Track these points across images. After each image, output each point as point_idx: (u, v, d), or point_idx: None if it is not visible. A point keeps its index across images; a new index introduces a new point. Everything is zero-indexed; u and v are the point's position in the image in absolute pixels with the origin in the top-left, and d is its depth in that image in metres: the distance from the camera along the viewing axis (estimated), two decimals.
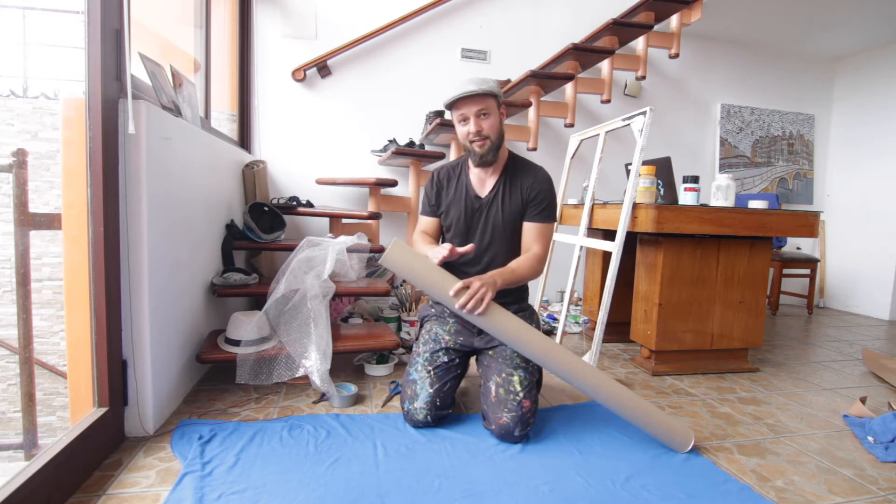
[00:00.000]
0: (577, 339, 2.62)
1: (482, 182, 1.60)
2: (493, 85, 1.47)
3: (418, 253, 1.39)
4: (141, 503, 1.07)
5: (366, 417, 1.53)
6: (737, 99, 3.78)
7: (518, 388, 1.41)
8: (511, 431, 1.37)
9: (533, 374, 1.48)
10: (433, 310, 1.67)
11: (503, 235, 1.57)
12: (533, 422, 1.43)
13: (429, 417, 1.45)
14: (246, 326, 1.71)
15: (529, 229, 1.56)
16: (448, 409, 1.51)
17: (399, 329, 2.44)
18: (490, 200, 1.58)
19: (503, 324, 1.36)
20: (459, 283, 1.33)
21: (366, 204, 2.92)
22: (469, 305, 1.30)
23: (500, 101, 1.52)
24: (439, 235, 1.71)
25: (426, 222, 1.69)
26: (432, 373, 1.49)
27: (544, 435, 1.45)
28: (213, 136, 2.00)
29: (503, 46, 3.16)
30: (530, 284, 1.69)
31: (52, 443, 1.07)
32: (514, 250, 1.58)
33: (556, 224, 1.44)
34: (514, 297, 1.61)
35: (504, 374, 1.44)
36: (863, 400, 1.72)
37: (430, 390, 1.46)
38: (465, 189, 1.61)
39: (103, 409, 1.24)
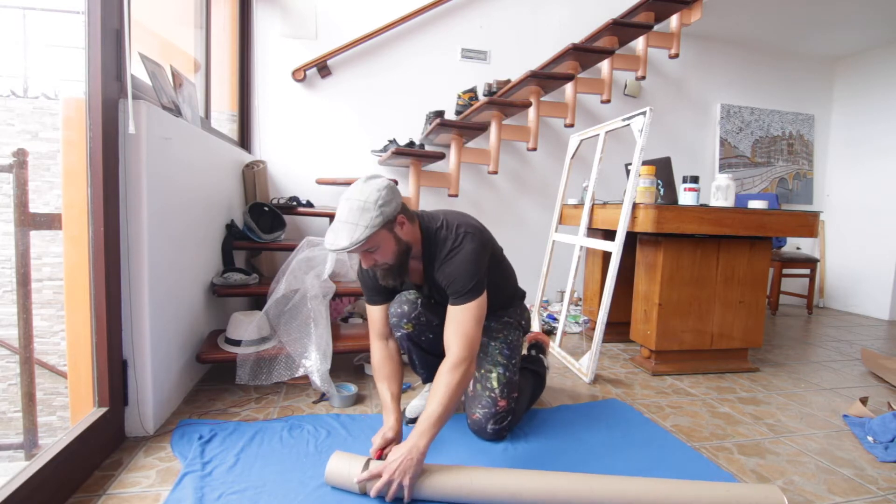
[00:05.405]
0: (577, 339, 2.62)
1: (415, 271, 1.37)
2: (370, 222, 1.13)
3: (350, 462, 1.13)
4: (141, 503, 1.07)
5: (366, 417, 1.53)
6: (737, 99, 3.78)
7: (495, 384, 1.39)
8: (483, 427, 1.37)
9: (514, 372, 1.44)
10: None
11: None
12: (511, 422, 1.41)
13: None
14: (246, 326, 1.71)
15: (449, 314, 1.25)
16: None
17: None
18: (428, 291, 1.41)
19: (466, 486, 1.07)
20: (366, 474, 1.08)
21: None
22: (388, 497, 1.07)
23: (391, 221, 1.19)
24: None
25: (379, 316, 1.42)
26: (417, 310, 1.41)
27: (544, 435, 1.45)
28: (213, 136, 2.00)
29: (503, 46, 3.16)
30: (529, 285, 1.65)
31: (53, 443, 1.08)
32: (490, 300, 1.32)
33: (482, 298, 1.24)
34: (499, 305, 1.47)
35: (483, 370, 1.42)
36: (863, 400, 1.72)
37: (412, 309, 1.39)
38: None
39: (103, 409, 1.24)
